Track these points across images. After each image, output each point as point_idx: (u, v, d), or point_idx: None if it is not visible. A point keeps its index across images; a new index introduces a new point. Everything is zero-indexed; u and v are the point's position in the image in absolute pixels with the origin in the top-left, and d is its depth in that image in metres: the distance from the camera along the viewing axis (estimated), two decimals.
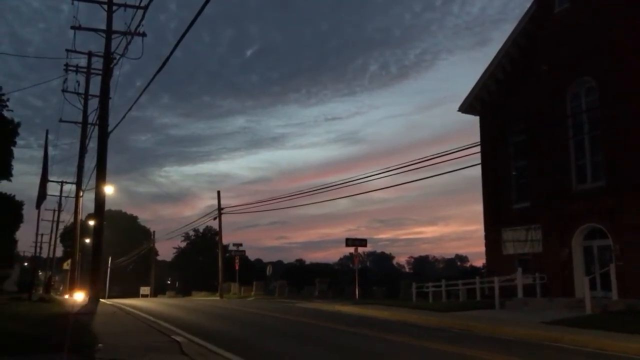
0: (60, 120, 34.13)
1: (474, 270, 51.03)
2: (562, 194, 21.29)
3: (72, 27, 23.53)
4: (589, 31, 20.49)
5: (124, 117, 21.00)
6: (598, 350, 10.62)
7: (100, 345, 8.51)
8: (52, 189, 55.60)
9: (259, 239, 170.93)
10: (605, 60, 19.99)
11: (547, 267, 21.60)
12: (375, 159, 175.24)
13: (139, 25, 18.88)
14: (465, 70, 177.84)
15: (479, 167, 25.56)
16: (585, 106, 21.17)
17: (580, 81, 21.20)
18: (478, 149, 24.96)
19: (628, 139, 19.10)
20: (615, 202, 19.19)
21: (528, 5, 23.74)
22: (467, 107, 26.32)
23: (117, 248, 63.91)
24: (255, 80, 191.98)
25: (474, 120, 26.66)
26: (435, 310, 18.70)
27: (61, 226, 61.64)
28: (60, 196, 52.02)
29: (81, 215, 34.37)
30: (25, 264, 73.61)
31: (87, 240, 40.42)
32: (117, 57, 20.98)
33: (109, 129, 21.33)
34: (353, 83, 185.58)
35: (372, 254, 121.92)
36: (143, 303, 28.34)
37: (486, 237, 25.50)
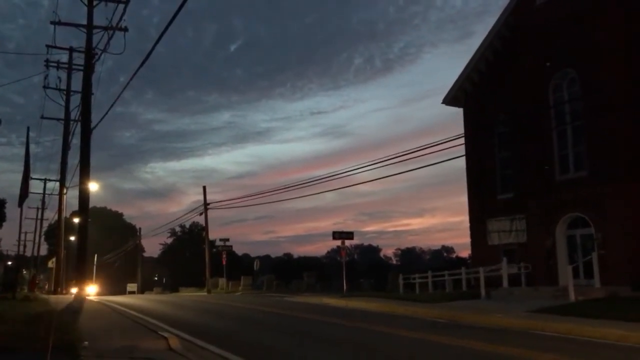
0: (42, 117, 33.76)
1: (460, 261, 51.46)
2: (545, 184, 21.54)
3: (52, 23, 23.26)
4: (569, 23, 20.67)
5: (106, 112, 20.86)
6: (581, 337, 10.80)
7: (85, 343, 8.46)
8: (36, 186, 54.94)
9: (246, 233, 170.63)
10: (586, 52, 20.21)
11: (531, 257, 21.87)
12: (361, 152, 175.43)
13: (120, 20, 18.73)
14: (449, 63, 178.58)
15: (464, 158, 25.75)
16: (567, 97, 21.41)
17: (562, 72, 21.42)
18: (463, 140, 25.13)
19: (609, 129, 19.37)
20: (597, 191, 19.47)
21: None
22: (451, 99, 26.48)
23: (103, 245, 63.43)
24: (241, 74, 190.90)
25: (458, 112, 26.84)
26: (422, 302, 18.85)
27: (45, 224, 61.10)
28: (44, 194, 51.55)
29: (65, 213, 34.04)
30: (9, 262, 72.71)
31: (72, 238, 40.08)
32: (99, 52, 20.77)
33: (92, 125, 21.11)
34: (338, 77, 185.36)
35: (359, 247, 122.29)
36: (130, 300, 28.16)
37: (471, 228, 25.75)
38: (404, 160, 24.93)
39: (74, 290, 27.87)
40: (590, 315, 12.97)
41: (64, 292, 31.28)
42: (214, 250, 47.20)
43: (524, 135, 22.94)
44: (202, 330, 11.47)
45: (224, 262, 40.41)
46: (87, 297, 21.72)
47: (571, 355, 8.74)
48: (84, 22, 21.10)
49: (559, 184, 21.16)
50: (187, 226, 79.13)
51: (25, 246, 68.84)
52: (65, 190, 32.53)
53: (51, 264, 36.45)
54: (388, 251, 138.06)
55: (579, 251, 20.61)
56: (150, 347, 8.66)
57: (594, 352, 9.29)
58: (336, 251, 45.02)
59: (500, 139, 24.89)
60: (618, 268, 18.27)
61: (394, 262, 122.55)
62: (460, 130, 25.99)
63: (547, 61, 21.64)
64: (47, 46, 28.27)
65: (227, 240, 42.79)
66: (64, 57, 30.85)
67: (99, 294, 38.77)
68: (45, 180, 49.01)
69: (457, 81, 25.99)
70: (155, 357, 7.74)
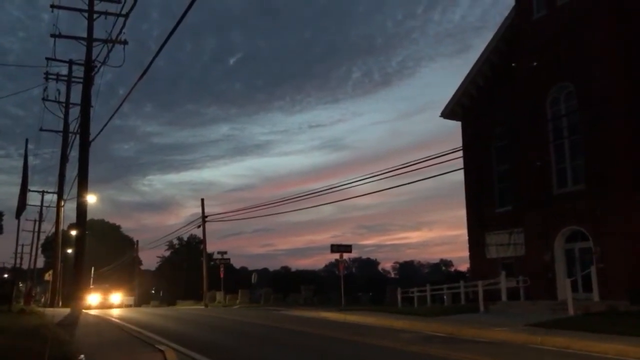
0: (41, 129, 33.78)
1: (459, 275, 51.31)
2: (543, 198, 21.56)
3: (52, 35, 23.34)
4: (566, 37, 20.85)
5: (105, 125, 20.86)
6: (579, 352, 10.75)
7: (82, 356, 8.40)
8: (33, 198, 54.82)
9: (244, 246, 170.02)
10: (583, 65, 20.35)
11: (530, 270, 21.81)
12: (359, 165, 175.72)
13: (120, 33, 18.78)
14: (447, 77, 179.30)
15: (462, 172, 25.79)
16: (564, 110, 21.51)
17: (559, 86, 21.54)
18: (460, 154, 25.15)
19: (607, 143, 19.43)
20: (595, 204, 19.48)
21: (507, 12, 24.15)
22: (449, 112, 26.62)
23: (100, 258, 63.08)
24: (239, 88, 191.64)
25: (456, 126, 26.97)
26: (420, 315, 18.74)
27: (42, 236, 60.82)
28: (42, 206, 51.37)
29: (63, 225, 33.93)
30: (6, 275, 72.26)
31: (69, 250, 39.92)
32: (99, 65, 20.83)
33: (91, 137, 21.12)
34: (337, 90, 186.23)
35: (357, 260, 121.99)
36: (127, 313, 27.98)
37: (470, 241, 25.74)
38: (402, 173, 24.80)
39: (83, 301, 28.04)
40: (589, 329, 12.89)
41: (60, 305, 31.07)
42: (212, 263, 46.91)
43: (521, 149, 23.00)
44: (199, 345, 11.39)
45: (222, 275, 40.20)
46: (85, 310, 21.58)
47: None
48: (84, 35, 21.23)
49: (557, 197, 21.18)
50: (185, 239, 78.94)
51: (22, 258, 68.62)
52: (63, 203, 32.46)
53: (48, 276, 36.20)
54: (386, 264, 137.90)
55: (577, 265, 20.57)
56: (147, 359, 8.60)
57: None
58: (334, 264, 44.92)
59: (498, 152, 24.97)
60: (617, 282, 18.22)
61: (392, 275, 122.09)
62: (458, 143, 26.11)
63: (543, 74, 21.76)
64: (47, 59, 28.33)
65: (225, 253, 42.59)
66: (64, 70, 31.03)
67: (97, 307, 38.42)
68: (43, 193, 48.92)
69: (454, 95, 26.13)
70: None
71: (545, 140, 21.85)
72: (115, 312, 26.63)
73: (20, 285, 63.19)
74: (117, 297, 33.16)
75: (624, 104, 19.25)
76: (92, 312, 26.52)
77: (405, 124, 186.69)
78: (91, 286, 40.00)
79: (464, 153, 25.25)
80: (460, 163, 25.44)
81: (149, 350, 9.85)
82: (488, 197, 24.85)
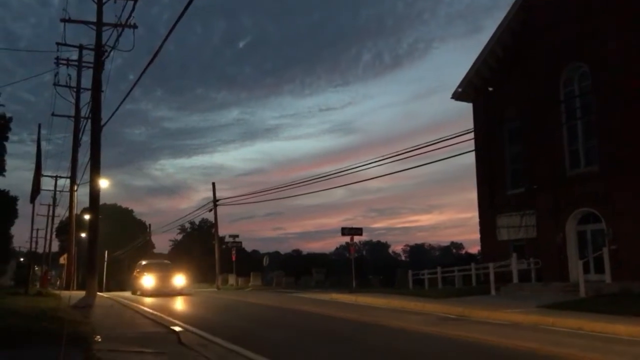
0: (53, 114, 34.01)
1: (470, 257, 51.30)
2: (555, 179, 21.39)
3: (62, 20, 23.40)
4: (580, 16, 20.48)
5: (116, 109, 20.94)
6: (592, 333, 10.75)
7: (98, 337, 8.55)
8: (47, 183, 55.48)
9: (256, 230, 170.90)
10: (597, 45, 20.01)
11: (541, 252, 21.74)
12: (370, 148, 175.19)
13: (129, 17, 18.76)
14: (458, 58, 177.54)
15: (473, 154, 25.63)
16: (578, 91, 21.23)
17: (573, 66, 21.23)
18: (472, 135, 25.03)
19: (621, 124, 19.18)
20: (608, 186, 19.31)
21: None
22: (460, 94, 26.34)
23: (113, 241, 63.79)
24: (249, 71, 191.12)
25: (467, 108, 26.72)
26: (431, 297, 18.82)
27: (56, 221, 61.49)
28: (55, 190, 51.95)
29: (76, 210, 34.34)
30: (22, 259, 73.37)
31: (83, 235, 40.37)
32: (108, 49, 20.86)
33: (102, 122, 21.25)
34: (347, 73, 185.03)
35: (368, 243, 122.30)
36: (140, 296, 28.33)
37: (481, 223, 25.65)
38: (413, 156, 24.88)
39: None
40: (601, 311, 12.88)
41: (75, 288, 31.54)
42: (224, 246, 47.30)
43: (534, 130, 22.78)
44: (213, 326, 11.53)
45: (234, 258, 40.52)
46: (99, 294, 21.86)
47: (583, 349, 8.70)
48: (94, 19, 21.24)
49: (570, 178, 21.01)
50: (197, 222, 79.55)
51: (37, 243, 69.61)
52: (76, 187, 32.78)
53: (63, 260, 36.73)
54: (397, 247, 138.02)
55: (589, 246, 20.46)
56: (162, 340, 8.74)
57: (606, 347, 9.24)
58: (345, 248, 44.97)
59: (510, 134, 24.75)
60: (630, 263, 18.10)
61: (403, 258, 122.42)
62: (470, 125, 25.87)
63: (557, 55, 21.45)
64: (57, 44, 28.48)
65: (237, 236, 42.87)
66: (74, 55, 31.07)
67: (108, 291, 38.79)
68: (56, 178, 49.41)
69: (466, 76, 25.84)
70: (166, 350, 7.80)
71: (558, 122, 21.61)
72: (129, 296, 26.98)
73: (36, 268, 64.26)
74: (181, 279, 24.45)
75: (638, 84, 18.93)
76: (106, 295, 26.90)
77: (416, 106, 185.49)
78: (142, 262, 28.22)
79: (475, 135, 25.13)
80: (471, 145, 25.39)
81: (163, 331, 10.00)
82: (499, 179, 24.71)
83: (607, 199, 19.33)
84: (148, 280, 24.38)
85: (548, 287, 19.43)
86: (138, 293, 25.65)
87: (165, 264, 28.76)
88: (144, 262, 28.06)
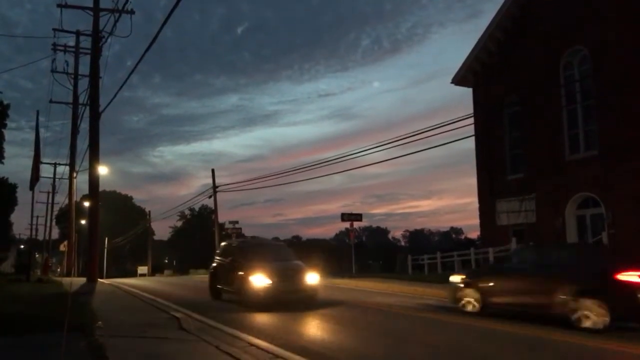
0: (51, 101, 33.80)
1: (469, 242, 51.47)
2: (555, 164, 21.39)
3: (59, 6, 23.19)
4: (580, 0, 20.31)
5: (114, 96, 20.89)
6: None
7: (99, 323, 8.58)
8: (46, 170, 55.37)
9: (255, 216, 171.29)
10: (597, 29, 19.88)
11: (541, 237, 21.80)
12: (369, 134, 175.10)
13: (126, 3, 18.58)
14: (457, 43, 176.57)
15: (473, 139, 25.55)
16: (578, 75, 21.13)
17: (572, 50, 21.11)
18: (471, 121, 24.90)
19: (621, 108, 19.13)
20: (607, 170, 19.31)
21: None
22: (459, 79, 26.21)
23: (113, 228, 63.96)
24: (248, 57, 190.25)
25: (467, 93, 26.60)
26: (430, 282, 18.90)
27: (56, 208, 61.50)
28: (54, 178, 51.76)
29: (76, 197, 34.30)
30: (22, 246, 73.60)
31: (83, 222, 40.40)
32: (106, 35, 20.72)
33: (100, 108, 21.16)
34: (345, 59, 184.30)
35: (367, 229, 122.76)
36: (141, 282, 28.47)
37: (480, 208, 25.67)
38: (413, 141, 24.69)
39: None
40: None
41: (76, 274, 31.65)
42: (224, 232, 47.31)
43: (533, 115, 22.72)
44: (213, 312, 11.58)
45: None
46: (99, 280, 21.96)
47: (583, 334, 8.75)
48: (91, 4, 21.07)
49: (569, 163, 21.00)
50: (197, 209, 79.79)
51: (37, 230, 69.67)
52: (75, 174, 32.73)
53: (63, 247, 36.80)
54: (396, 233, 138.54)
55: (589, 231, 20.52)
56: (163, 325, 8.78)
57: None
58: (345, 233, 45.13)
59: (509, 119, 24.68)
60: (628, 247, 18.16)
61: (403, 243, 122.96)
62: (469, 110, 25.77)
63: (557, 39, 21.31)
64: (54, 30, 28.22)
65: (237, 222, 42.83)
66: (71, 41, 30.83)
67: (108, 277, 38.94)
68: (55, 165, 49.22)
69: (465, 61, 25.70)
70: (167, 336, 7.85)
71: (558, 106, 21.54)
72: (130, 282, 27.09)
73: (37, 255, 64.46)
74: (314, 276, 13.66)
75: (637, 68, 18.84)
76: (106, 281, 27.00)
77: (415, 91, 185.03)
78: (234, 243, 16.36)
79: (475, 120, 25.01)
80: (471, 130, 25.21)
81: (165, 317, 10.05)
82: (499, 164, 24.68)
83: (606, 183, 19.34)
84: (259, 279, 12.66)
85: None
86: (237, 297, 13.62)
87: (279, 246, 18.31)
88: (239, 244, 15.88)
